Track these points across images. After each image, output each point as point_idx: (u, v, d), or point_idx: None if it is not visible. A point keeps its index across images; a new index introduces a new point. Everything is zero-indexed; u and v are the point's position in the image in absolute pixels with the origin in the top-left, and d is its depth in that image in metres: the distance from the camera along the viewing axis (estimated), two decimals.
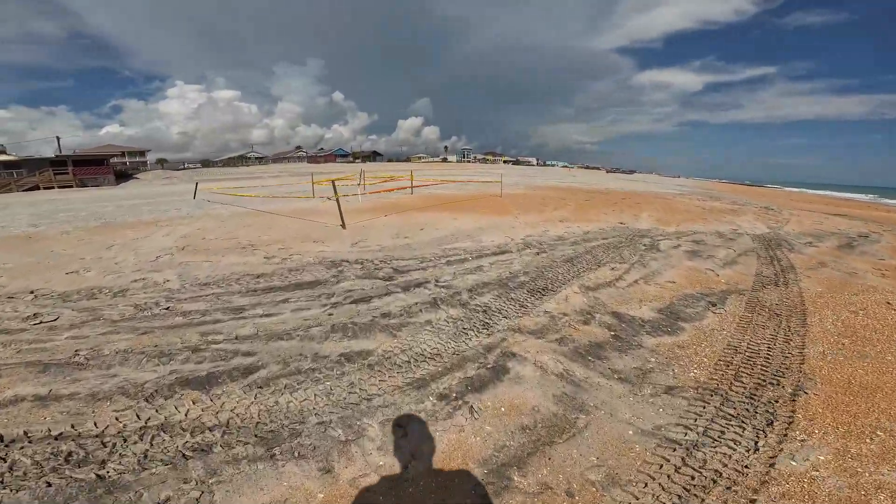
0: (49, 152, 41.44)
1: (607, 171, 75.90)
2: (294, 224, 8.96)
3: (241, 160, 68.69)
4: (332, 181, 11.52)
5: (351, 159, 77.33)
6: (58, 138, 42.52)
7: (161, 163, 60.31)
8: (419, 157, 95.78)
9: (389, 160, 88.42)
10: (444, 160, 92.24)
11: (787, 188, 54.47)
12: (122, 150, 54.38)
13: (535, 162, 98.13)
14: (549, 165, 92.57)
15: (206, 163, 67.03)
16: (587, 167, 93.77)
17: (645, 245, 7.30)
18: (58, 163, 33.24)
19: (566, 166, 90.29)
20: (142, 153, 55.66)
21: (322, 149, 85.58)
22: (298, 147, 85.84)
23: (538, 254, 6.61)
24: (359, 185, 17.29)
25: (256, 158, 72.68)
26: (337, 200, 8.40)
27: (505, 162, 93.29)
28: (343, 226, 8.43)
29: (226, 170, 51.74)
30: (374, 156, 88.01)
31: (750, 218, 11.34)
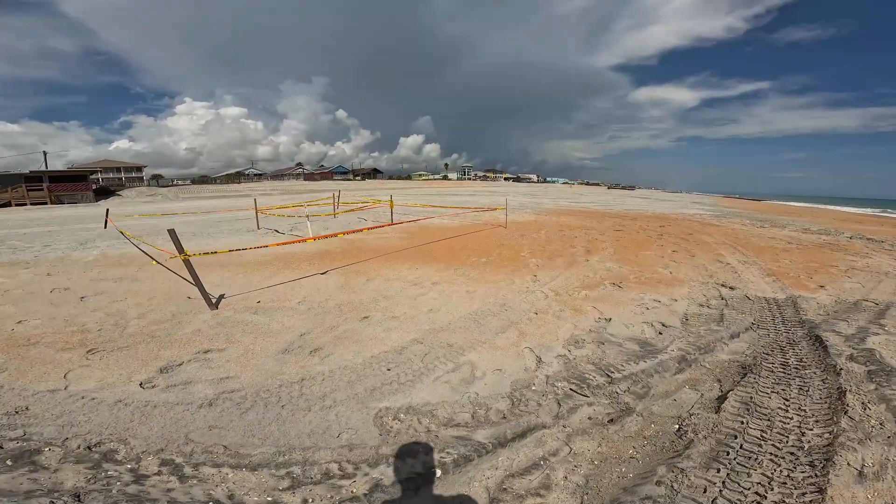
0: (59, 166, 39.17)
1: (608, 188, 73.61)
2: (143, 288, 4.87)
3: (239, 177, 66.95)
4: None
5: (350, 177, 75.26)
6: (44, 153, 39.42)
7: (156, 178, 57.45)
8: (420, 175, 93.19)
9: (390, 177, 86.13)
10: (445, 178, 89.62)
11: (793, 203, 51.26)
12: (119, 165, 52.13)
13: (535, 178, 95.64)
14: (549, 182, 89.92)
15: (204, 179, 64.65)
16: (587, 183, 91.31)
17: (844, 355, 3.26)
18: (33, 178, 30.01)
19: (567, 183, 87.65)
20: (138, 168, 53.30)
21: (322, 166, 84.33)
22: (299, 164, 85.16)
23: (620, 417, 2.55)
24: (334, 214, 13.35)
25: (255, 175, 70.89)
26: (190, 268, 4.27)
27: (506, 179, 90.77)
28: (211, 304, 4.37)
29: (217, 186, 48.91)
30: (374, 173, 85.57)
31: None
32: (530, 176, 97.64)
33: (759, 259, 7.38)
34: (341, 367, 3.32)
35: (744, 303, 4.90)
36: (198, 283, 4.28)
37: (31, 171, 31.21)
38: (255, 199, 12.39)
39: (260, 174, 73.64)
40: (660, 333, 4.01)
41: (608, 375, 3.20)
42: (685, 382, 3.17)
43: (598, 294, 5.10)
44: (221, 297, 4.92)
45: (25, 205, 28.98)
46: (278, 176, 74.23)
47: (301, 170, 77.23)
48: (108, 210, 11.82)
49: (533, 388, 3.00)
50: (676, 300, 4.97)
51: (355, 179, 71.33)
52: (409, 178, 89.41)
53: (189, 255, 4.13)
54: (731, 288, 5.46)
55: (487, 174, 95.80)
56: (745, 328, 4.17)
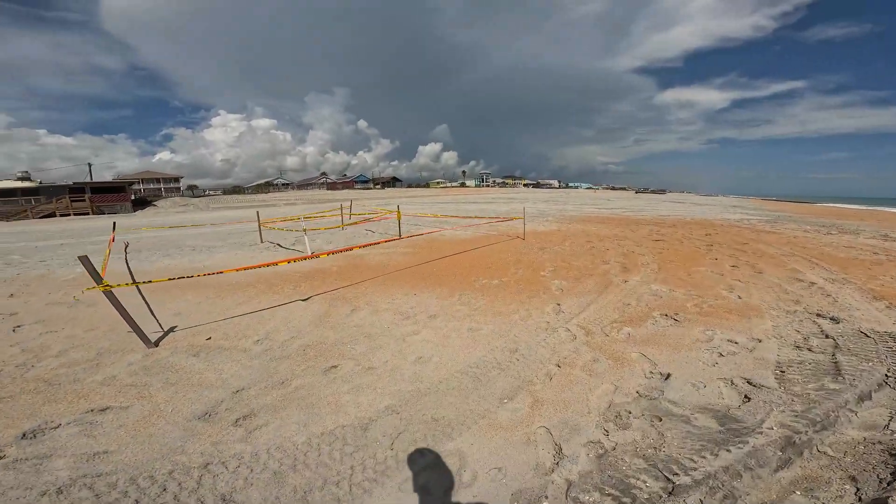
0: (108, 177, 42.05)
1: (636, 192, 70.61)
2: (95, 314, 3.98)
3: (268, 187, 69.63)
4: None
5: (371, 186, 76.49)
6: (89, 165, 42.01)
7: (192, 189, 60.70)
8: (438, 183, 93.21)
9: (409, 185, 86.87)
10: (463, 185, 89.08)
11: (845, 205, 46.50)
12: (158, 176, 55.21)
13: (556, 184, 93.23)
14: (572, 187, 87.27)
15: (236, 189, 67.73)
16: (613, 188, 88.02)
17: None
18: (76, 190, 31.68)
19: (591, 188, 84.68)
20: (176, 179, 56.12)
21: (345, 175, 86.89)
22: (323, 173, 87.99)
23: None
24: (342, 226, 12.60)
25: (283, 185, 73.75)
26: (114, 300, 3.36)
27: (525, 185, 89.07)
28: (148, 341, 3.46)
29: (246, 197, 50.79)
30: (393, 181, 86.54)
31: None
32: (551, 182, 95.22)
33: (849, 276, 5.81)
34: (272, 447, 2.29)
35: (861, 342, 3.50)
36: (126, 318, 3.39)
37: (73, 183, 32.82)
38: (257, 213, 11.77)
39: (287, 184, 76.34)
40: (746, 398, 2.73)
41: (669, 480, 1.99)
42: (797, 485, 1.93)
43: (647, 332, 3.82)
44: (171, 330, 4.03)
45: (69, 215, 30.39)
46: (304, 185, 76.61)
47: (325, 179, 79.27)
48: (114, 224, 11.51)
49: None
50: (760, 340, 3.63)
51: (375, 188, 72.27)
52: (427, 185, 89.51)
53: (110, 286, 3.25)
54: (832, 319, 4.02)
55: (506, 181, 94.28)
56: (878, 383, 2.82)
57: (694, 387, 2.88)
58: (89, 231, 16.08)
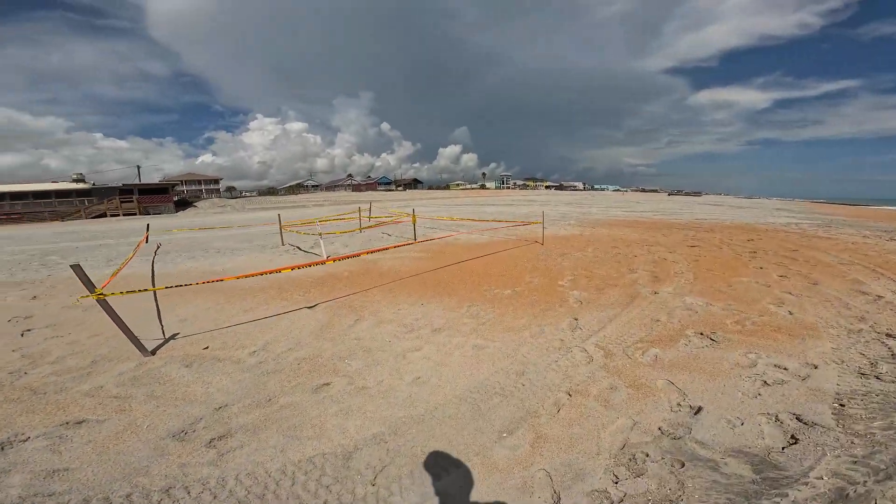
0: (156, 179, 45.67)
1: (669, 194, 67.45)
2: (105, 318, 4.03)
3: (300, 188, 72.23)
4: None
5: (393, 187, 77.88)
6: (138, 167, 45.10)
7: (230, 190, 63.53)
8: (458, 184, 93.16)
9: (430, 187, 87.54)
10: (483, 187, 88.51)
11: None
12: (200, 178, 58.27)
13: (581, 187, 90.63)
14: (598, 190, 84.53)
15: (271, 190, 70.66)
16: (643, 190, 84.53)
17: None
18: (125, 191, 33.91)
19: (618, 190, 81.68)
20: (215, 181, 59.00)
21: (369, 177, 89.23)
22: (349, 175, 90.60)
23: None
24: (359, 229, 12.64)
25: (313, 186, 76.20)
26: (108, 309, 3.28)
27: (547, 187, 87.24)
28: (144, 350, 3.38)
29: (278, 198, 52.66)
30: (414, 183, 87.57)
31: None
32: (575, 184, 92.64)
33: None
34: (242, 473, 2.09)
35: None
36: (121, 326, 3.33)
37: (123, 185, 34.99)
38: (278, 216, 11.95)
39: (317, 185, 78.70)
40: (793, 439, 2.27)
41: None
42: None
43: (678, 355, 3.35)
44: (172, 337, 3.97)
45: (118, 215, 32.42)
46: (332, 187, 78.77)
47: (350, 181, 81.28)
48: (147, 225, 12.07)
49: None
50: (816, 365, 3.09)
51: (397, 190, 73.30)
52: (447, 187, 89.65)
53: (105, 294, 3.19)
54: None
55: (527, 182, 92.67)
56: None
57: (729, 424, 2.43)
58: (131, 231, 17.01)
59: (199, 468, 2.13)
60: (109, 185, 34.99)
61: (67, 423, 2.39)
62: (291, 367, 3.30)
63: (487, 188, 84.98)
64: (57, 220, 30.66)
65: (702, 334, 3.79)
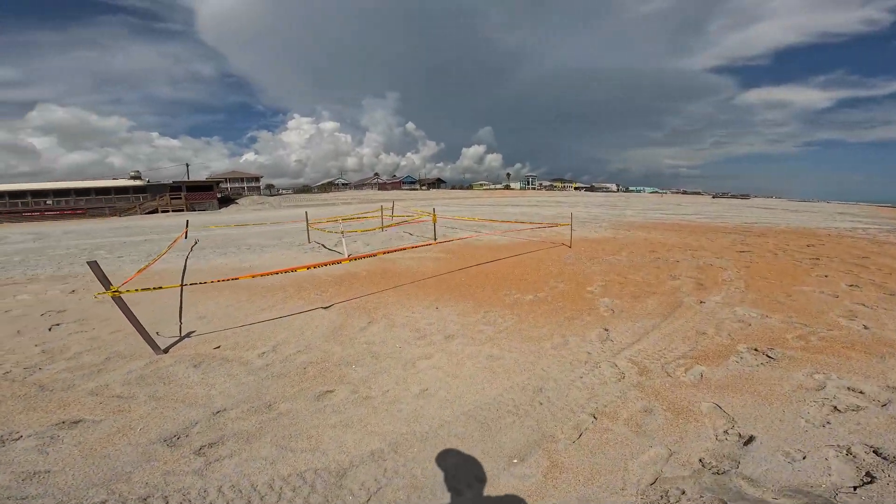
0: (204, 177, 47.88)
1: (713, 197, 63.43)
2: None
3: (331, 186, 74.97)
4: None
5: (417, 186, 78.89)
6: (187, 165, 48.43)
7: (269, 188, 66.68)
8: (481, 185, 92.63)
9: (453, 187, 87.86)
10: (507, 187, 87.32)
11: None
12: (242, 175, 61.52)
13: (614, 188, 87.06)
14: (633, 191, 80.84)
15: (305, 188, 73.81)
16: (684, 192, 79.92)
17: None
18: (175, 188, 36.31)
19: (656, 192, 77.65)
20: (256, 179, 62.04)
21: (395, 176, 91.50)
22: (376, 174, 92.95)
23: None
24: (381, 228, 12.68)
25: (343, 185, 79.02)
26: (123, 306, 3.28)
27: (576, 189, 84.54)
28: (157, 348, 3.37)
29: (311, 196, 54.69)
30: (438, 183, 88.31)
31: None
32: (608, 185, 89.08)
33: None
34: (226, 485, 1.94)
35: None
36: (135, 323, 3.34)
37: (173, 182, 37.36)
38: (306, 213, 12.19)
39: (346, 184, 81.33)
40: (869, 477, 1.81)
41: None
42: None
43: (728, 374, 2.88)
44: (187, 335, 3.97)
45: (168, 211, 34.63)
46: (360, 185, 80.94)
47: (376, 180, 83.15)
48: (187, 222, 12.72)
49: None
50: None
51: (421, 189, 74.02)
52: (470, 187, 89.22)
53: (120, 291, 3.21)
54: None
55: (554, 183, 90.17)
56: None
57: (787, 457, 1.99)
58: (177, 227, 17.98)
59: (183, 477, 1.99)
60: (162, 182, 37.56)
61: (64, 422, 2.35)
62: (297, 372, 3.16)
63: (512, 189, 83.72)
64: (115, 215, 33.31)
65: (756, 350, 3.27)
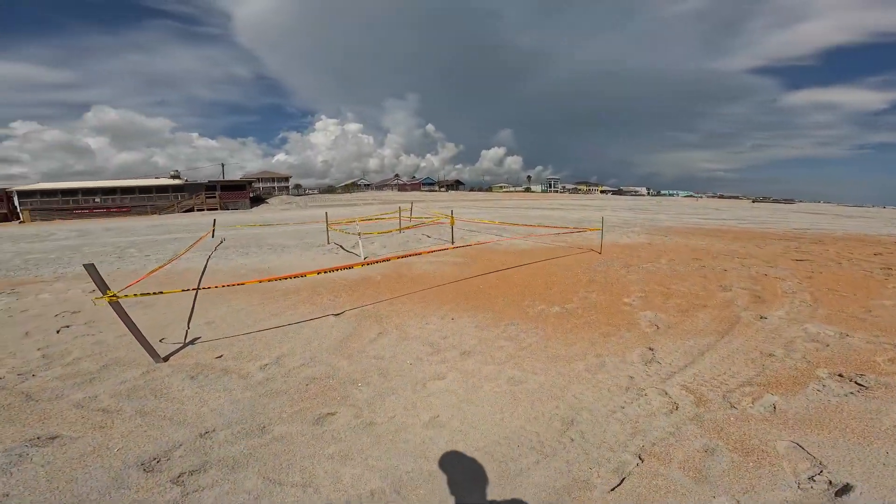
0: (239, 176, 49.83)
1: (753, 201, 60.02)
2: (136, 317, 4.02)
3: (353, 187, 76.65)
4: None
5: (436, 188, 79.20)
6: (222, 165, 50.68)
7: (297, 188, 68.99)
8: (500, 187, 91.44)
9: (472, 189, 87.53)
10: (528, 190, 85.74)
11: None
12: (273, 175, 63.73)
13: (644, 192, 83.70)
14: (665, 195, 77.40)
15: (330, 188, 75.86)
16: (721, 196, 75.83)
17: None
18: (210, 188, 37.84)
19: (691, 196, 73.98)
20: (285, 179, 64.04)
21: (414, 177, 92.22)
22: (396, 175, 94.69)
23: None
24: (399, 229, 12.53)
25: (365, 185, 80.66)
26: (120, 311, 3.10)
27: (602, 192, 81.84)
28: (156, 356, 3.19)
29: (335, 196, 56.11)
30: (456, 184, 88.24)
31: None
32: (637, 189, 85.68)
33: None
34: None
35: None
36: (133, 330, 3.17)
37: (209, 181, 38.92)
38: (326, 214, 12.17)
39: (368, 184, 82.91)
40: None
41: None
42: None
43: (806, 405, 2.33)
44: (192, 342, 3.79)
45: (203, 210, 36.03)
46: (381, 186, 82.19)
47: (396, 181, 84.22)
48: (214, 220, 13.00)
49: None
50: None
51: (440, 191, 74.13)
52: (489, 189, 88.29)
53: (117, 297, 3.05)
54: None
55: (578, 186, 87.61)
56: None
57: None
58: (209, 226, 18.61)
59: None
60: (198, 181, 39.26)
61: (39, 437, 2.15)
62: (298, 389, 2.86)
63: (533, 191, 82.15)
64: (155, 213, 35.11)
65: (842, 376, 2.68)
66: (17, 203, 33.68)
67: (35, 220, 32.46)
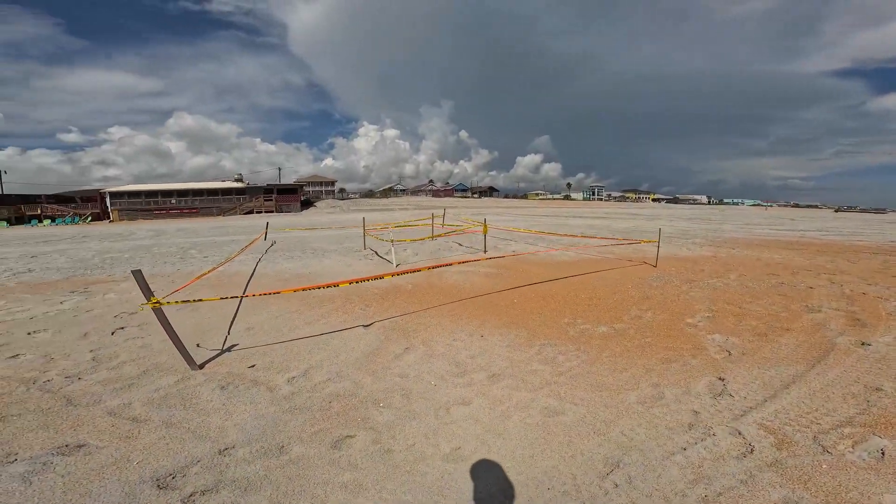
0: (292, 180, 53.86)
1: (836, 211, 53.34)
2: (186, 322, 4.19)
3: (391, 191, 78.72)
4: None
5: (469, 194, 79.03)
6: (279, 169, 54.67)
7: (342, 192, 72.54)
8: (537, 194, 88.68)
9: (506, 196, 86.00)
10: (567, 197, 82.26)
11: None
12: (321, 180, 67.83)
13: (704, 200, 77.12)
14: (728, 204, 70.68)
15: (369, 193, 78.93)
16: (796, 206, 68.03)
17: None
18: (268, 191, 41.05)
19: (759, 205, 66.94)
20: (331, 183, 67.89)
21: (448, 183, 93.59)
22: (430, 181, 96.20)
23: None
24: (431, 237, 12.52)
25: (401, 190, 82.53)
26: (161, 317, 3.19)
27: (654, 200, 76.47)
28: (193, 363, 3.27)
29: (373, 200, 58.31)
30: (490, 191, 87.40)
31: None
32: (696, 197, 79.01)
33: None
34: None
35: None
36: (172, 337, 3.27)
37: (267, 185, 41.98)
38: (363, 219, 12.44)
39: (404, 190, 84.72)
40: None
41: None
42: None
43: None
44: (228, 349, 3.87)
45: (261, 212, 38.79)
46: (416, 191, 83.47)
47: (430, 187, 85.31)
48: (267, 224, 13.79)
49: None
50: None
51: (473, 197, 73.56)
52: (525, 197, 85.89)
53: (161, 303, 3.17)
54: None
55: (626, 195, 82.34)
56: None
57: None
58: (262, 229, 19.83)
59: None
60: (258, 185, 42.49)
61: (67, 445, 2.20)
62: (321, 406, 2.75)
63: (573, 199, 78.70)
64: (220, 214, 38.36)
65: None
66: (108, 203, 37.87)
67: (122, 219, 36.74)
